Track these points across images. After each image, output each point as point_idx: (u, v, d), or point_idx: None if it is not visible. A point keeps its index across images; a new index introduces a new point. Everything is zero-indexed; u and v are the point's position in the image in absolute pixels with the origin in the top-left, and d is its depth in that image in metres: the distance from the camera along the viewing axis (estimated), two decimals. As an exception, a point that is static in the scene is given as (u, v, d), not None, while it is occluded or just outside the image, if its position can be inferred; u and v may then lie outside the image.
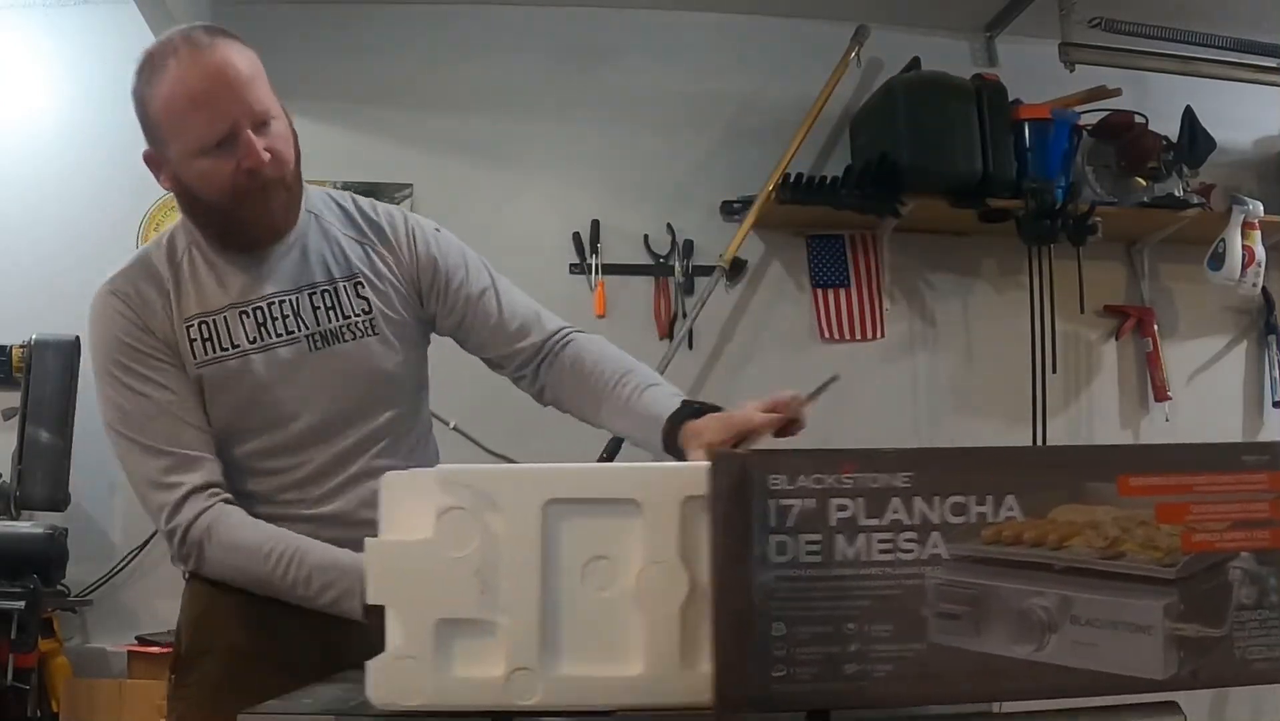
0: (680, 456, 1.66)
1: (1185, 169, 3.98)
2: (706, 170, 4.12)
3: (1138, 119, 3.97)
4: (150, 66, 1.70)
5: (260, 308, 1.82)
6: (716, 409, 1.68)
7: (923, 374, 4.13)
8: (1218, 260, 3.93)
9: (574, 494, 1.26)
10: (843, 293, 4.10)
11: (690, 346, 3.96)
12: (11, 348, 3.63)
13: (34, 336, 3.49)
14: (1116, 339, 4.22)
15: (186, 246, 1.84)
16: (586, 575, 1.25)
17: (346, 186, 3.95)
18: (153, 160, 1.77)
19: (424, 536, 1.24)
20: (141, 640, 3.39)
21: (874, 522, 1.12)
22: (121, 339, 1.80)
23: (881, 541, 1.12)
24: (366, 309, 1.88)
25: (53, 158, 3.89)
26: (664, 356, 3.78)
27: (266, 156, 1.71)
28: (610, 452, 3.51)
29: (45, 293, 3.72)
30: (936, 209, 3.86)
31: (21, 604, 3.06)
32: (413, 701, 1.22)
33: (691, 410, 1.70)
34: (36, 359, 3.47)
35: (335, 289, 1.87)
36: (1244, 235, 3.91)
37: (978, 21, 4.25)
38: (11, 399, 3.53)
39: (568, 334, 1.96)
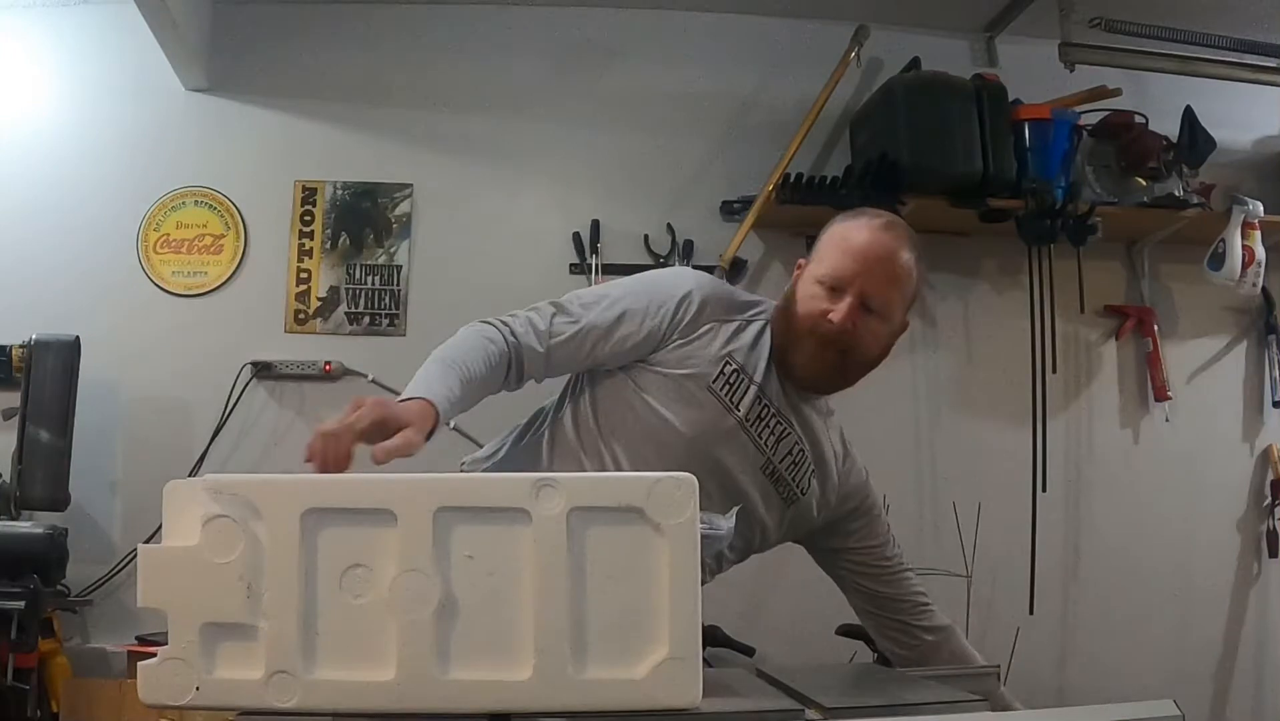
0: None
1: (1185, 169, 3.97)
2: (706, 170, 4.12)
3: (1138, 119, 3.97)
4: (856, 217, 2.09)
5: (769, 407, 2.11)
6: None
7: (923, 374, 4.13)
8: (1218, 260, 3.93)
9: (332, 503, 1.31)
10: (843, 292, 4.09)
11: (690, 346, 3.95)
12: (11, 348, 3.62)
13: (34, 336, 3.49)
14: (1116, 339, 4.21)
15: (766, 322, 2.14)
16: (344, 582, 1.29)
17: (346, 186, 3.97)
18: (799, 267, 2.14)
19: (192, 543, 1.27)
20: (141, 640, 3.39)
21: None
22: (666, 306, 2.10)
23: None
24: (805, 489, 2.17)
25: (52, 158, 3.90)
26: (664, 356, 3.77)
27: (848, 325, 2.00)
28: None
29: (45, 292, 3.74)
30: (936, 209, 3.84)
31: (21, 604, 3.05)
32: (179, 701, 1.27)
33: None
34: (36, 359, 3.46)
35: (804, 454, 2.16)
36: (1244, 235, 3.90)
37: (978, 21, 4.25)
38: (11, 399, 3.53)
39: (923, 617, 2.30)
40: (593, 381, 2.15)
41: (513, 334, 2.02)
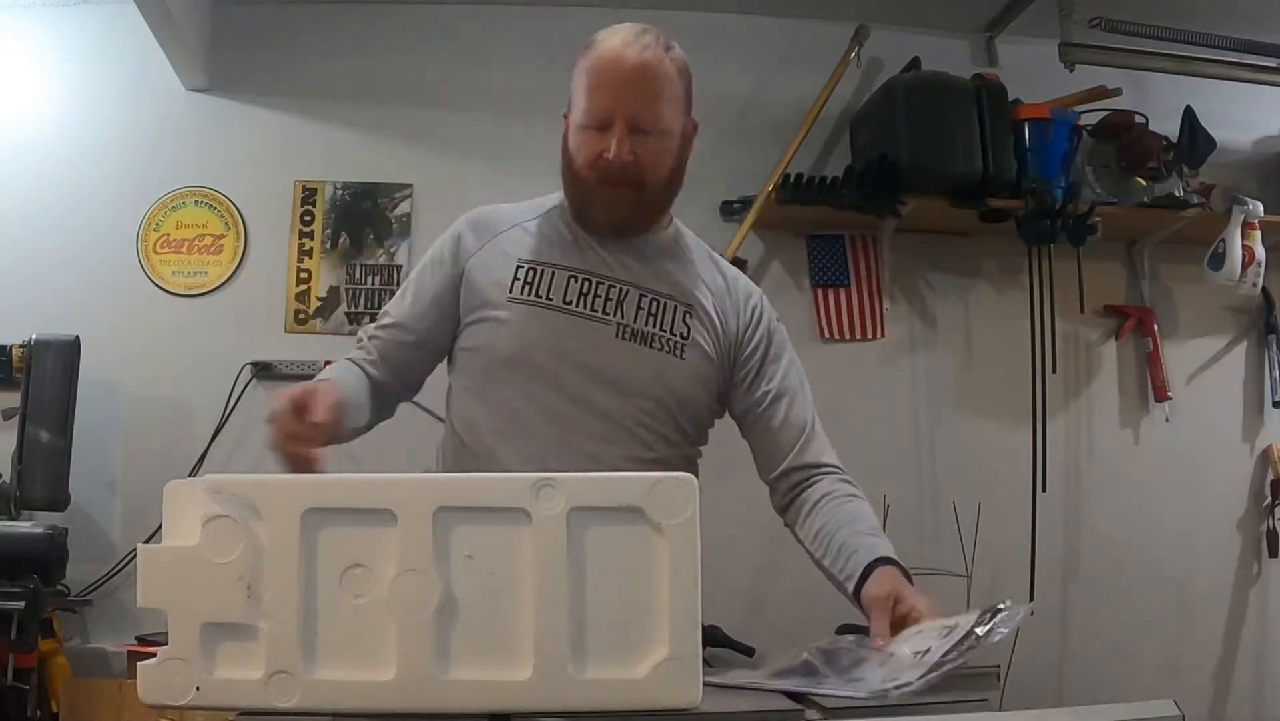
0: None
1: (1185, 169, 3.98)
2: (706, 170, 4.10)
3: (1138, 119, 3.97)
4: (594, 42, 1.97)
5: (590, 280, 1.99)
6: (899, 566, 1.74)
7: (923, 374, 4.13)
8: (1218, 260, 3.93)
9: (332, 503, 1.31)
10: (843, 293, 4.10)
11: (690, 346, 3.95)
12: (11, 347, 3.62)
13: (34, 336, 3.49)
14: (1116, 339, 4.22)
15: (559, 207, 2.08)
16: (345, 582, 1.29)
17: (346, 186, 3.97)
18: (565, 118, 2.02)
19: (192, 543, 1.27)
20: (141, 640, 3.39)
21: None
22: (440, 248, 2.09)
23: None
24: (685, 334, 2.00)
25: (52, 158, 3.90)
26: (664, 356, 3.77)
27: (626, 156, 1.89)
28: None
29: (45, 292, 3.74)
30: (936, 209, 3.85)
31: (21, 604, 3.05)
32: (180, 701, 1.28)
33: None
34: (36, 359, 3.46)
35: (664, 303, 2.00)
36: (1244, 235, 3.90)
37: (978, 21, 4.25)
38: (11, 399, 3.53)
39: (815, 475, 2.01)
40: (453, 374, 2.12)
41: (358, 356, 2.06)
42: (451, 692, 1.27)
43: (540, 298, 1.97)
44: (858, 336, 4.08)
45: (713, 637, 3.34)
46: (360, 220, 3.96)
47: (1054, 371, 3.90)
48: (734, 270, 2.15)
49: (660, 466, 1.89)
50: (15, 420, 3.45)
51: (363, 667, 1.27)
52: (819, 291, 4.10)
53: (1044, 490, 3.83)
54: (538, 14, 4.11)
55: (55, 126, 3.92)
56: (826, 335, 4.07)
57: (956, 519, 3.76)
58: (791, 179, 3.86)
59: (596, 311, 1.97)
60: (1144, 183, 3.99)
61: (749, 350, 2.06)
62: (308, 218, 3.95)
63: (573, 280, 1.98)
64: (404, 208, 3.98)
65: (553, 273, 1.98)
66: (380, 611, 1.28)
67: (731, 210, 4.05)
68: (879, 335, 4.09)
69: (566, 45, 4.04)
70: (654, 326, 1.98)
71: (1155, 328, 4.18)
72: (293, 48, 4.01)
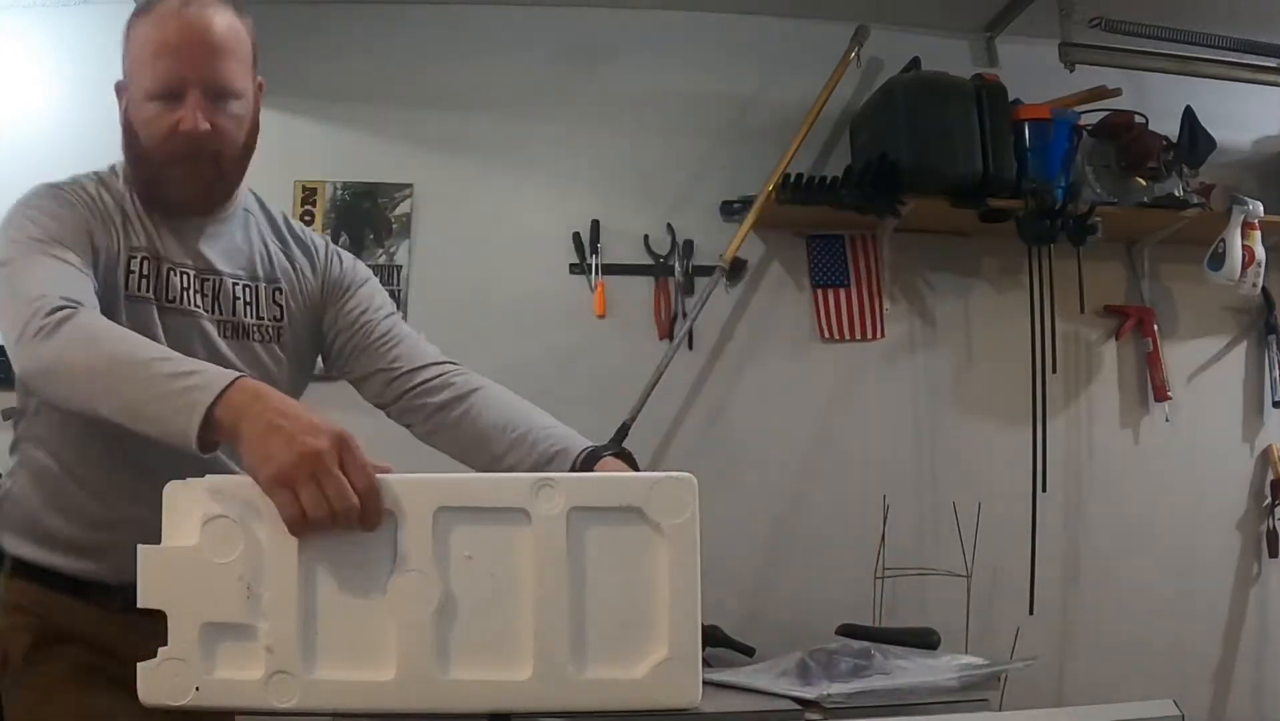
0: None
1: (1185, 169, 3.97)
2: (706, 170, 4.11)
3: (1138, 119, 3.97)
4: (146, 3, 1.75)
5: (199, 276, 1.81)
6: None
7: (923, 374, 4.13)
8: (1218, 260, 3.92)
9: None
10: (843, 293, 4.09)
11: (690, 346, 3.95)
12: (11, 347, 3.61)
13: (34, 336, 3.48)
14: (1116, 339, 4.21)
15: (129, 188, 1.85)
16: (344, 582, 1.28)
17: (347, 186, 3.96)
18: (120, 90, 1.83)
19: (192, 543, 1.28)
20: (141, 640, 3.39)
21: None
22: (54, 211, 1.76)
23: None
24: (278, 316, 1.89)
25: (52, 158, 3.82)
26: (664, 357, 3.77)
27: (204, 126, 1.70)
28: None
29: (45, 293, 3.72)
30: (936, 209, 3.85)
31: (21, 604, 3.05)
32: (180, 701, 1.27)
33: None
34: (36, 359, 3.45)
35: (258, 287, 1.88)
36: (1244, 235, 3.90)
37: (978, 21, 4.24)
38: (12, 399, 3.50)
39: (450, 374, 1.88)
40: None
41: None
42: (451, 692, 1.27)
43: (160, 298, 1.77)
44: (858, 336, 4.08)
45: (713, 637, 3.34)
46: (360, 220, 3.96)
47: (1054, 371, 3.90)
48: (298, 226, 2.00)
49: None
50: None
51: (363, 667, 1.27)
52: (819, 291, 4.09)
53: (1044, 490, 3.82)
54: (538, 14, 4.11)
55: (55, 126, 3.90)
56: (826, 335, 4.07)
57: (956, 519, 3.76)
58: (791, 179, 3.86)
59: (206, 311, 1.80)
60: (1144, 183, 3.98)
61: (333, 289, 1.94)
62: (308, 218, 3.95)
63: (184, 275, 1.79)
64: (404, 208, 3.98)
65: (170, 268, 1.78)
66: (380, 611, 1.28)
67: (731, 210, 4.05)
68: (879, 335, 4.09)
69: (567, 45, 4.12)
70: (252, 316, 1.85)
71: (1155, 328, 4.18)
72: (292, 48, 4.00)
